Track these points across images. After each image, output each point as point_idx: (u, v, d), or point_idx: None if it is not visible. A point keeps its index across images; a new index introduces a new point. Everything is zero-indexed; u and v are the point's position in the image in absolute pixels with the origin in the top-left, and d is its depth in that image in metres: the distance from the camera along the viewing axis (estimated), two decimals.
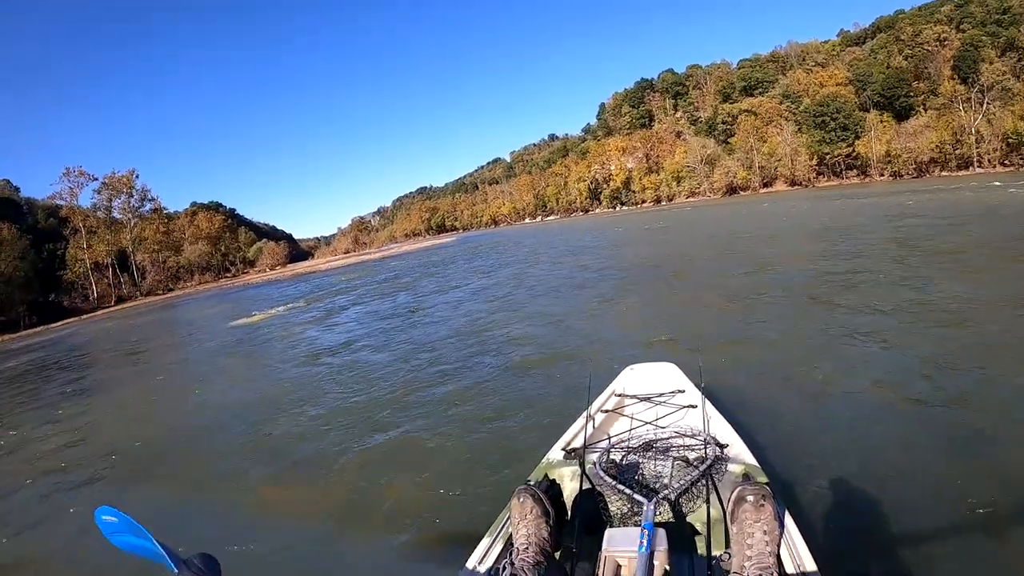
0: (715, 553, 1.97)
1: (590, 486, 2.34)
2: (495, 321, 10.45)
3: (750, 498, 1.77)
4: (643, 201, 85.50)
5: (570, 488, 2.37)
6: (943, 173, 55.36)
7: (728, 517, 1.86)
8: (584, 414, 3.01)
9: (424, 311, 13.58)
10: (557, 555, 1.98)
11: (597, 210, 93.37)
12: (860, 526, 3.02)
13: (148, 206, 71.02)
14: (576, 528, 2.13)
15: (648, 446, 2.64)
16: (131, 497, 5.25)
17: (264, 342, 14.08)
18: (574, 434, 2.92)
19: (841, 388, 4.85)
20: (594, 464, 2.49)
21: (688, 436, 2.67)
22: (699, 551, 2.07)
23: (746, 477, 2.17)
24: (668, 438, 2.71)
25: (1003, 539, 2.76)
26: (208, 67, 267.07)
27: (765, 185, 71.99)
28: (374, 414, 6.16)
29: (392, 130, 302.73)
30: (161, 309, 41.16)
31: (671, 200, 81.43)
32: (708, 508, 2.13)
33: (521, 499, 1.95)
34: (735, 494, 1.82)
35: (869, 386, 4.79)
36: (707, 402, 2.98)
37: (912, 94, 63.01)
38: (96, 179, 66.11)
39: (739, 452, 2.52)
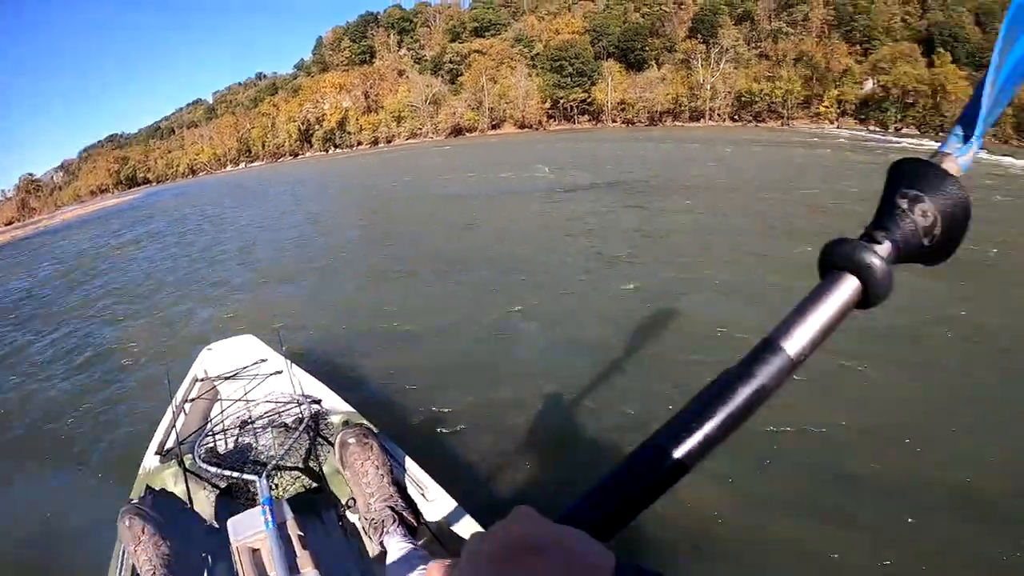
0: (342, 502, 1.97)
1: (198, 482, 2.13)
2: None
3: (352, 440, 1.80)
4: (359, 143, 70.46)
5: (179, 491, 2.12)
6: (675, 123, 54.65)
7: (340, 465, 1.86)
8: (170, 408, 2.67)
9: None
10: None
11: (308, 154, 76.17)
12: (472, 445, 3.09)
13: None
14: (200, 529, 1.97)
15: (245, 423, 2.41)
16: None
17: None
18: (165, 432, 2.55)
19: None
20: (194, 458, 2.18)
21: (281, 402, 2.52)
22: (326, 507, 2.04)
23: (347, 424, 2.11)
24: (263, 411, 2.50)
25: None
26: None
27: (494, 127, 62.30)
28: None
29: (75, 62, 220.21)
30: None
31: (390, 142, 67.96)
32: (320, 464, 2.09)
33: (128, 522, 1.73)
34: (338, 440, 1.85)
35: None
36: (292, 365, 2.82)
37: (647, 48, 60.83)
38: None
39: (335, 404, 2.48)
